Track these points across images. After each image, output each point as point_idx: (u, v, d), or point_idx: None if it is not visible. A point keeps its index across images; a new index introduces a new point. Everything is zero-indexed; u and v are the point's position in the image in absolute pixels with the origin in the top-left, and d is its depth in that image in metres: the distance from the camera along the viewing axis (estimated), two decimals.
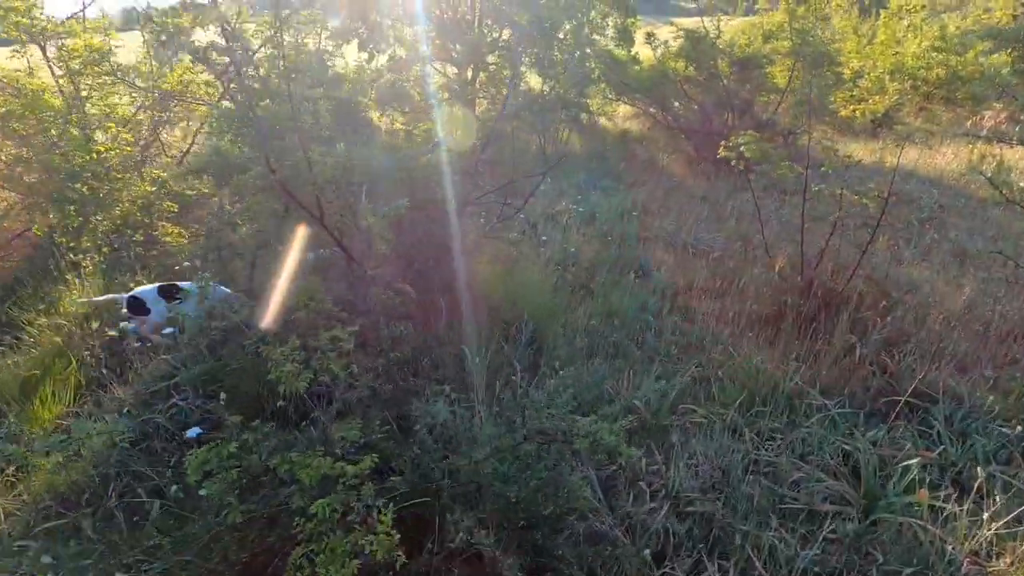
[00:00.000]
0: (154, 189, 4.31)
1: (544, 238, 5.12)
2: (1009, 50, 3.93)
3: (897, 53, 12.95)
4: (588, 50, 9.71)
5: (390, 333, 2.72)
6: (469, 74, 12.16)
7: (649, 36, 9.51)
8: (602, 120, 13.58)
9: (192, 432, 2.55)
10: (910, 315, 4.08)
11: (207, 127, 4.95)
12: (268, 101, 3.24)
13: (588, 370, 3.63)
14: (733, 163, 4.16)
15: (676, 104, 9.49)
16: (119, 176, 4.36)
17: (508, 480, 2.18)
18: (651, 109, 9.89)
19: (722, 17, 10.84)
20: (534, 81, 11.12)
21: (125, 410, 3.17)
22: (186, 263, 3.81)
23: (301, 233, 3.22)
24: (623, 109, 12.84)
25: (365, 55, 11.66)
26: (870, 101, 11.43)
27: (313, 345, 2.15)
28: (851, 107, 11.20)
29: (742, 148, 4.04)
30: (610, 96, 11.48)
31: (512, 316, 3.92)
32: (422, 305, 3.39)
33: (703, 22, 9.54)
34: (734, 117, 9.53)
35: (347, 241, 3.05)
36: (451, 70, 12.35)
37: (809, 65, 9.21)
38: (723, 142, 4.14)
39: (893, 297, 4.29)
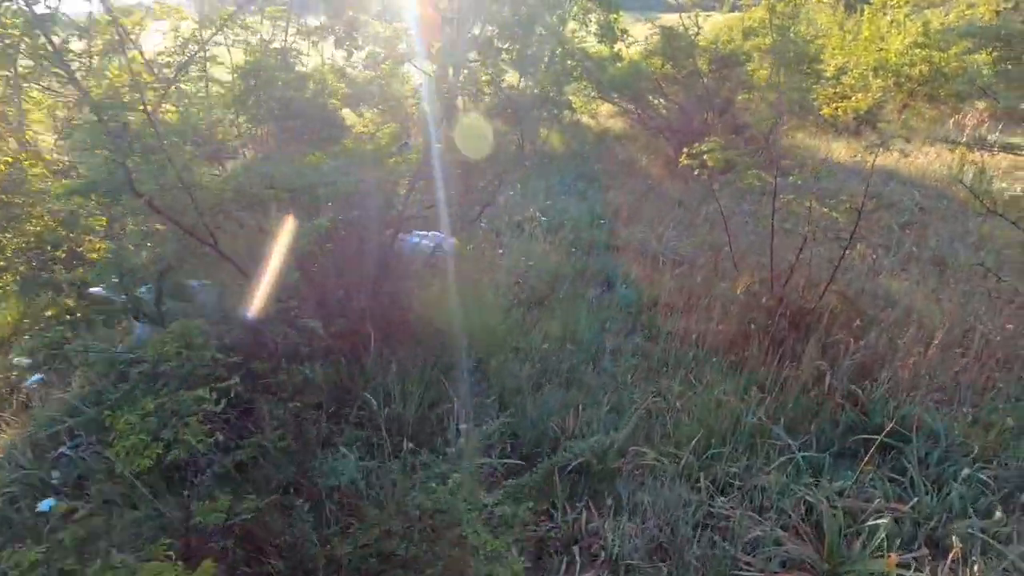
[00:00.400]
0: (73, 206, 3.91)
1: (500, 251, 4.75)
2: (989, 49, 3.57)
3: (881, 49, 12.58)
4: (565, 47, 9.28)
5: (291, 378, 2.36)
6: (451, 72, 11.76)
7: (622, 33, 9.10)
8: (585, 118, 13.19)
9: (44, 504, 2.17)
10: (885, 336, 3.73)
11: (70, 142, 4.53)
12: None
13: (535, 403, 3.27)
14: (696, 172, 3.79)
15: (655, 102, 9.10)
16: (34, 189, 3.95)
17: (407, 565, 1.82)
18: (629, 107, 9.49)
19: (702, 13, 10.46)
20: (513, 78, 10.69)
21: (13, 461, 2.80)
22: (93, 289, 3.41)
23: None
24: (606, 107, 12.46)
25: (343, 53, 11.23)
26: (853, 99, 11.07)
27: (172, 408, 1.79)
28: (833, 105, 10.84)
29: (705, 156, 3.68)
30: (592, 94, 11.09)
31: (457, 341, 3.56)
32: (348, 337, 3.02)
33: (681, 19, 9.13)
34: (714, 116, 9.16)
35: (254, 269, 2.67)
36: (429, 67, 11.92)
37: (790, 63, 8.84)
38: (684, 149, 3.77)
39: (868, 315, 3.94)
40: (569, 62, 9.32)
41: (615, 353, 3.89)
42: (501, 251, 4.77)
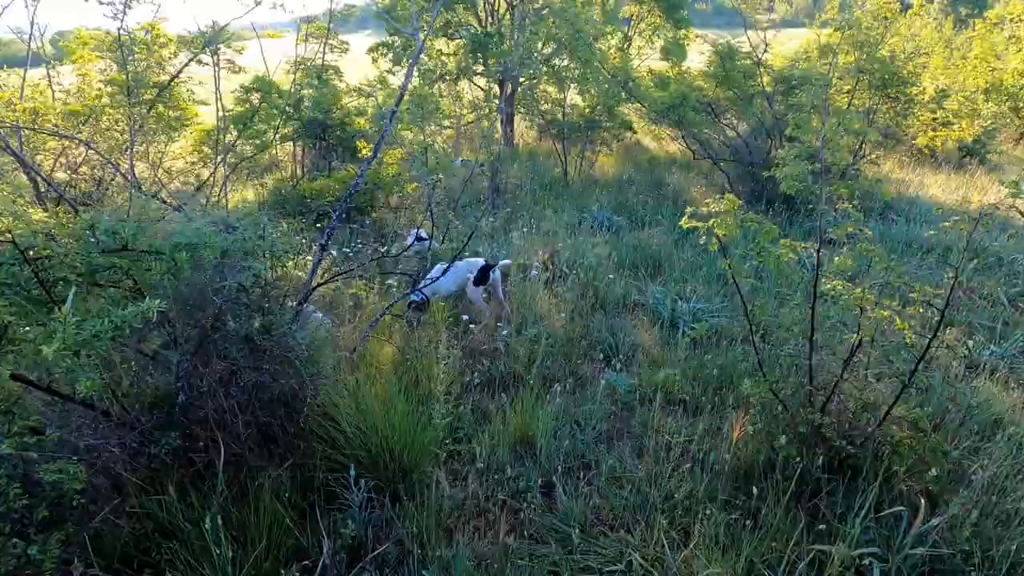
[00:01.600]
0: None
1: (466, 317, 3.78)
2: None
3: (995, 69, 10.48)
4: (604, 67, 8.19)
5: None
6: (509, 88, 10.96)
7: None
8: (647, 139, 11.97)
9: None
10: (977, 499, 2.44)
11: None
12: None
13: (441, 560, 2.30)
14: (702, 240, 2.68)
15: (708, 129, 7.80)
16: None
17: None
18: (679, 133, 8.24)
19: (785, 31, 9.01)
20: (568, 97, 9.67)
21: None
22: None
23: None
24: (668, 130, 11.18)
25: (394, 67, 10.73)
26: (956, 127, 9.17)
27: None
28: (930, 134, 9.01)
29: (711, 223, 2.57)
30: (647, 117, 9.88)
31: (369, 450, 2.66)
32: (193, 454, 2.20)
33: (747, 36, 7.78)
34: (778, 145, 7.75)
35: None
36: (484, 83, 11.23)
37: (875, 87, 7.28)
38: (688, 209, 2.66)
39: (951, 456, 2.65)
40: (607, 83, 8.18)
41: (581, 474, 2.84)
42: (466, 318, 3.80)
